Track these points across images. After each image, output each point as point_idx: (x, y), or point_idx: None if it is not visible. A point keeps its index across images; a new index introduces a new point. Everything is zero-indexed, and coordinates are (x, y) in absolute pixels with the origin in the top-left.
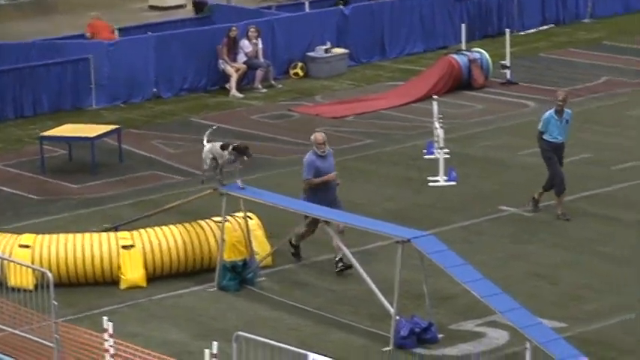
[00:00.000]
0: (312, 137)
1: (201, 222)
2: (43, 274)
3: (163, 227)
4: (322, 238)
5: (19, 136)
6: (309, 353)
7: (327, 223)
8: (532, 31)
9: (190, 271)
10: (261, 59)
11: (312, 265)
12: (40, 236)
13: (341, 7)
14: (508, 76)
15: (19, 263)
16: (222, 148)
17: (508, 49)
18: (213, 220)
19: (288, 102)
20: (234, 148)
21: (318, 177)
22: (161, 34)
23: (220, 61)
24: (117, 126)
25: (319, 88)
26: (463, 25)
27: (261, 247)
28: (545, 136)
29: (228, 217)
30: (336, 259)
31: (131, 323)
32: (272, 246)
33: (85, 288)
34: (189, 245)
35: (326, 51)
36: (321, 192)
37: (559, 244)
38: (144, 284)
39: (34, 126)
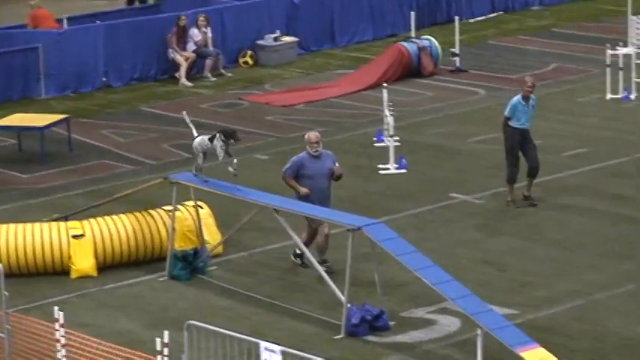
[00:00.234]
0: (306, 136)
1: (152, 211)
2: None
3: (114, 217)
4: (271, 225)
5: None
6: (261, 342)
7: (324, 231)
8: (481, 18)
9: (141, 260)
10: (211, 48)
11: (262, 254)
12: None
13: None
14: (457, 63)
15: None
16: (211, 140)
17: (457, 37)
18: (164, 210)
19: (238, 91)
20: (220, 132)
21: (302, 178)
22: (110, 23)
23: (170, 50)
24: (66, 115)
25: (269, 76)
26: (412, 13)
27: (212, 236)
28: (511, 123)
29: (179, 206)
30: (297, 251)
31: (82, 313)
32: (222, 235)
33: (36, 278)
34: (140, 234)
35: (275, 39)
36: (313, 199)
37: (509, 231)
38: (94, 274)
39: None
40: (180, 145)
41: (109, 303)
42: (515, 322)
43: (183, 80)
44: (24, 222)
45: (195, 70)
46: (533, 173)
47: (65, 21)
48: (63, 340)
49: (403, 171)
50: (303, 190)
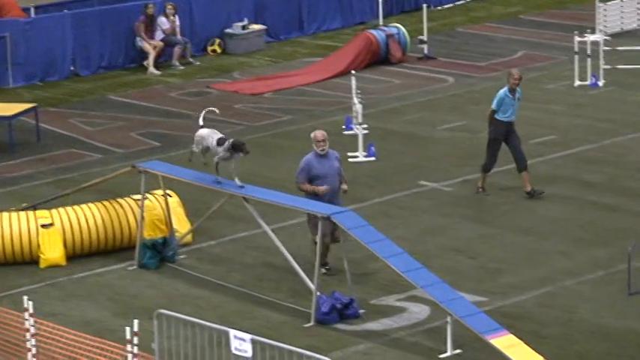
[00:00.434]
0: (312, 135)
1: (121, 200)
2: None
3: (82, 206)
4: (239, 213)
5: None
6: (231, 330)
7: (332, 236)
8: (449, 6)
9: (110, 249)
10: (179, 36)
11: (232, 242)
12: None
13: None
14: (425, 51)
15: None
16: (219, 143)
17: (425, 25)
18: (133, 198)
19: (206, 79)
20: (231, 145)
21: (315, 179)
22: (78, 12)
23: (138, 38)
24: (34, 104)
25: (237, 64)
26: (380, 1)
27: (181, 224)
28: (498, 116)
29: (148, 195)
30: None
31: (51, 302)
32: (192, 223)
33: (5, 267)
34: (109, 223)
35: (243, 27)
36: (321, 198)
37: (478, 219)
38: (63, 263)
39: None
40: (149, 134)
41: (78, 292)
42: (485, 309)
43: (152, 69)
44: None
45: (163, 59)
46: (523, 165)
47: (33, 10)
48: (32, 330)
49: (372, 159)
50: (322, 187)
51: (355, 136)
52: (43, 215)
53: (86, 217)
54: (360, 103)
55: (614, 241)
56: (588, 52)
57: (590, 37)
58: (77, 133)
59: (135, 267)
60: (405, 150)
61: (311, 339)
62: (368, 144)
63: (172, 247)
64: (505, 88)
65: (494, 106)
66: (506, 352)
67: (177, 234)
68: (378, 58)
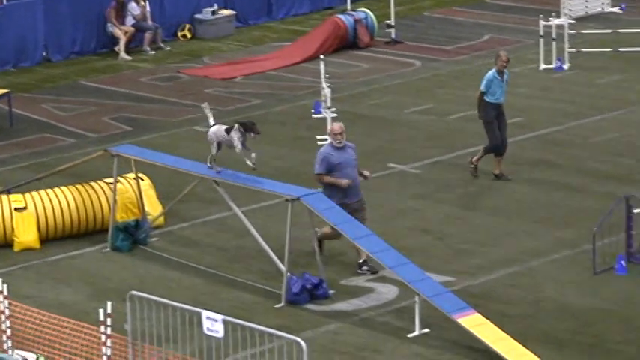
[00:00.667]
0: (329, 127)
1: (93, 184)
2: None
3: (56, 189)
4: (210, 196)
5: None
6: (203, 311)
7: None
8: None
9: (83, 232)
10: (149, 22)
11: (203, 225)
12: None
13: None
14: (393, 35)
15: None
16: (227, 131)
17: (393, 9)
18: (105, 182)
19: (177, 64)
20: (240, 125)
21: (333, 171)
22: None
23: (109, 24)
24: (7, 90)
25: (207, 49)
26: None
27: (153, 207)
28: (487, 97)
29: (120, 179)
30: (360, 261)
31: (26, 285)
32: (163, 206)
33: None
34: (82, 207)
35: (213, 13)
36: (340, 190)
37: (445, 200)
38: (37, 246)
39: None
40: (121, 118)
41: (52, 275)
42: (452, 289)
43: (123, 54)
44: None
45: (134, 44)
46: (501, 152)
47: None
48: (7, 312)
49: None
50: (344, 181)
51: (324, 119)
52: (17, 199)
53: (59, 201)
54: (328, 87)
55: (579, 222)
56: (553, 35)
57: (555, 21)
58: (50, 118)
59: (108, 249)
60: (374, 133)
61: (282, 319)
62: None
63: (144, 229)
64: (493, 70)
65: (482, 87)
66: (474, 331)
67: (149, 217)
68: (346, 42)
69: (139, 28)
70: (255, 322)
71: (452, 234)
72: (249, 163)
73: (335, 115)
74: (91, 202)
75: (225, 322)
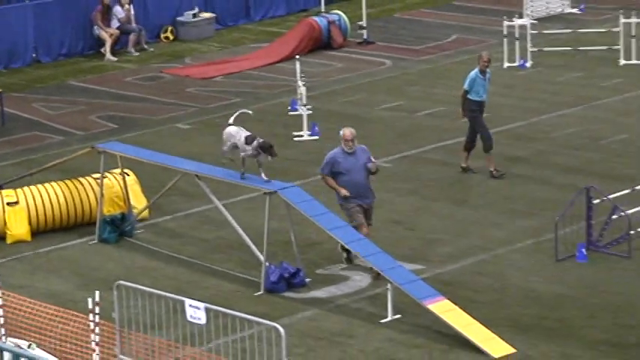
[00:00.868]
0: (341, 132)
1: (81, 179)
2: None
3: (46, 184)
4: (192, 190)
5: None
6: (186, 299)
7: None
8: None
9: (72, 225)
10: (134, 24)
11: (186, 217)
12: None
13: None
14: (365, 36)
15: None
16: (247, 141)
17: (364, 11)
18: (93, 177)
19: (160, 64)
20: (259, 146)
21: (338, 174)
22: (39, 2)
23: (95, 27)
24: None
25: (188, 50)
26: None
27: (138, 201)
28: (470, 96)
29: (107, 174)
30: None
31: (18, 275)
32: (148, 200)
33: None
34: (71, 201)
35: (194, 15)
36: (353, 192)
37: (415, 192)
38: (29, 239)
39: None
40: (107, 117)
41: (43, 266)
42: (423, 276)
43: (109, 55)
44: None
45: (119, 46)
46: (471, 147)
47: None
48: (0, 302)
49: (316, 137)
50: (343, 191)
51: (300, 116)
52: (9, 194)
53: (49, 196)
54: (304, 85)
55: (542, 212)
56: (516, 35)
57: (518, 22)
58: (40, 117)
59: (95, 241)
60: None
61: (261, 306)
62: (312, 124)
63: (130, 222)
64: (476, 70)
65: (466, 86)
66: (443, 317)
67: (134, 210)
68: (320, 43)
69: (124, 31)
70: (236, 310)
71: (422, 225)
72: (263, 176)
73: (310, 112)
74: (79, 196)
75: (207, 309)
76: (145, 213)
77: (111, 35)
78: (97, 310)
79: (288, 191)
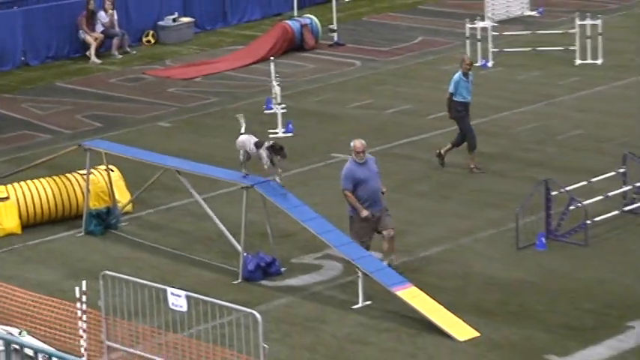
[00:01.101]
0: (352, 144)
1: (69, 175)
2: None
3: (35, 181)
4: (173, 185)
5: None
6: (168, 288)
7: (379, 231)
8: None
9: (60, 218)
10: (117, 29)
11: (167, 211)
12: None
13: None
14: (335, 38)
15: None
16: (257, 145)
17: (335, 15)
18: (79, 173)
19: (142, 66)
20: (270, 147)
21: (358, 184)
22: (27, 9)
23: (80, 31)
24: None
25: (169, 53)
26: None
27: (123, 195)
28: (456, 97)
29: (93, 170)
30: (385, 263)
31: (9, 267)
32: (132, 194)
33: None
34: (59, 196)
35: (174, 20)
36: (365, 201)
37: (384, 185)
38: (19, 232)
39: None
40: (92, 116)
41: (32, 257)
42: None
43: (93, 58)
44: None
45: (103, 49)
46: (459, 143)
47: None
48: None
49: (290, 134)
50: (364, 212)
51: (275, 114)
52: (0, 190)
53: (38, 191)
54: (278, 85)
55: (503, 204)
56: (478, 37)
57: (479, 24)
58: (29, 117)
59: (82, 234)
60: (319, 126)
61: (239, 294)
62: (286, 121)
63: (115, 215)
64: (459, 73)
65: (451, 89)
66: (411, 302)
67: (119, 204)
68: (293, 45)
69: (108, 35)
70: (215, 297)
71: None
72: (277, 179)
73: (284, 110)
74: (67, 191)
75: (188, 297)
76: (129, 207)
77: (95, 39)
78: (84, 298)
79: (264, 185)
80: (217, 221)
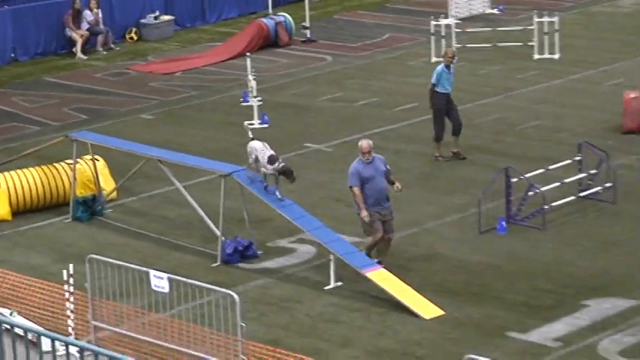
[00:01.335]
0: (359, 144)
1: (56, 164)
2: None
3: (24, 170)
4: (155, 174)
5: None
6: (150, 270)
7: (384, 236)
8: None
9: (48, 205)
10: (102, 26)
11: (150, 198)
12: None
13: None
14: (308, 35)
15: None
16: (270, 161)
17: (307, 13)
18: (66, 163)
19: (125, 62)
20: (281, 171)
21: (364, 182)
22: (16, 7)
23: (67, 29)
24: None
25: (151, 49)
26: None
27: (107, 184)
28: (438, 89)
29: (79, 160)
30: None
31: (0, 251)
32: (116, 183)
33: None
34: (47, 184)
35: (155, 18)
36: (371, 199)
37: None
38: (9, 218)
39: None
40: (78, 109)
41: (22, 242)
42: (361, 248)
43: (79, 54)
44: None
45: (89, 46)
46: (457, 131)
47: None
48: None
49: (265, 125)
50: (364, 213)
51: (251, 107)
52: None
53: (27, 180)
54: (254, 79)
55: (467, 190)
56: (442, 33)
57: (443, 21)
58: (18, 110)
59: (69, 220)
60: (293, 118)
61: (218, 276)
62: (262, 113)
63: (100, 202)
64: (442, 65)
65: (433, 80)
66: (380, 283)
67: (104, 192)
68: (268, 42)
69: (93, 32)
70: (196, 279)
71: None
72: (277, 193)
73: (260, 103)
74: (55, 180)
75: (170, 279)
76: (114, 194)
77: (81, 36)
78: (71, 281)
79: (241, 174)
80: (197, 208)
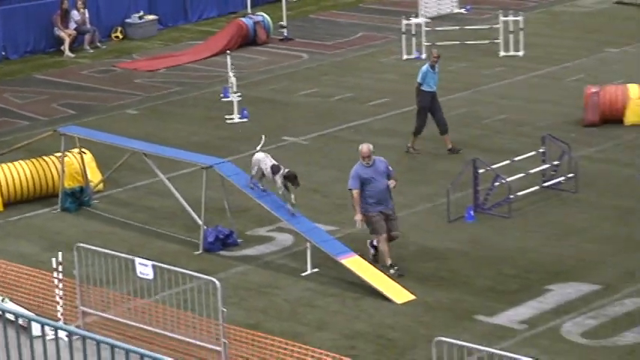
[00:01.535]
0: (359, 148)
1: (46, 157)
2: None
3: (15, 163)
4: (140, 166)
5: None
6: (136, 258)
7: (389, 234)
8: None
9: (38, 197)
10: (88, 25)
11: (135, 189)
12: None
13: None
14: (285, 33)
15: None
16: (273, 170)
17: (285, 13)
18: (55, 156)
19: (111, 59)
20: (285, 177)
21: (364, 183)
22: (6, 7)
23: (55, 28)
24: None
25: (136, 47)
26: None
27: (94, 176)
28: (423, 87)
29: (67, 153)
30: (388, 264)
31: None
32: (102, 175)
33: None
34: (37, 176)
35: (140, 18)
36: (374, 198)
37: (329, 165)
38: (1, 209)
39: None
40: (67, 104)
41: (13, 232)
42: (337, 236)
43: (67, 52)
44: None
45: (76, 44)
46: (444, 131)
47: None
48: None
49: (245, 120)
50: (357, 216)
51: (231, 102)
52: None
53: (18, 172)
54: (234, 76)
55: (436, 180)
56: (413, 32)
57: (414, 20)
58: (9, 105)
59: (58, 210)
60: (271, 112)
61: (200, 263)
62: (241, 108)
63: (88, 194)
64: (427, 65)
65: (419, 79)
66: (355, 270)
67: (91, 183)
68: (247, 40)
69: (80, 31)
70: (179, 267)
71: (335, 192)
72: (288, 205)
73: (240, 98)
74: (44, 172)
75: (154, 266)
76: (101, 186)
77: (69, 35)
78: (60, 268)
79: (222, 166)
80: (180, 198)
